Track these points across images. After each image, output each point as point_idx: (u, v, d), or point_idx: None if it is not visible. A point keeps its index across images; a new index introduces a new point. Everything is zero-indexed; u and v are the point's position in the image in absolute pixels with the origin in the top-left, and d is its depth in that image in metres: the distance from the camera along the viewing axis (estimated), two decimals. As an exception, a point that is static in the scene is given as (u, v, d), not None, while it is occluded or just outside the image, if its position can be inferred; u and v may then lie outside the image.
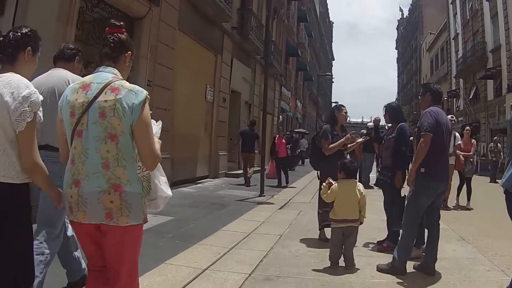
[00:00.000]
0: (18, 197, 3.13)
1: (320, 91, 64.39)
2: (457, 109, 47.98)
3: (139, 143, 3.05)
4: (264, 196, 13.77)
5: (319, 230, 8.09)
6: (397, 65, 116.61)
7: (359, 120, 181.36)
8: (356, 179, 6.79)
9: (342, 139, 7.82)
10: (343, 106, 8.33)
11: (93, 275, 3.32)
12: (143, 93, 3.07)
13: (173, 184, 12.38)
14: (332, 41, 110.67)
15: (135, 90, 3.06)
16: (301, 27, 47.52)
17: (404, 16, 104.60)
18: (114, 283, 3.13)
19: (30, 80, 3.30)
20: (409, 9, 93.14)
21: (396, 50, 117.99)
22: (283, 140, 18.02)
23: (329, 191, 6.39)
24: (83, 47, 5.16)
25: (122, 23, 3.31)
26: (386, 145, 7.64)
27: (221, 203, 12.03)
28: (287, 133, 26.75)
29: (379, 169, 8.53)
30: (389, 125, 8.19)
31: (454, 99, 49.28)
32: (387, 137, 7.78)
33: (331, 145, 7.75)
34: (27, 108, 3.02)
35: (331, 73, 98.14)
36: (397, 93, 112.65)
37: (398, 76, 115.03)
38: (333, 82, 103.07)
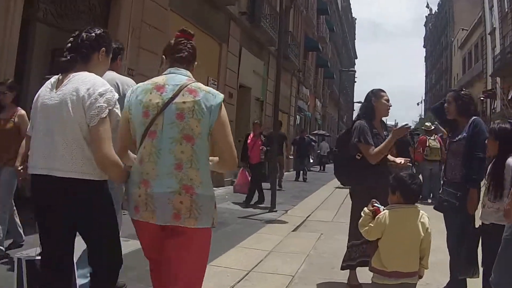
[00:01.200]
0: (97, 194, 3.26)
1: (342, 90, 62.66)
2: (493, 111, 45.65)
3: (218, 145, 3.27)
4: (276, 211, 11.89)
5: (345, 269, 5.85)
6: (425, 64, 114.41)
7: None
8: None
9: (389, 138, 5.55)
10: (383, 91, 5.90)
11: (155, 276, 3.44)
12: (220, 95, 3.29)
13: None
14: (355, 39, 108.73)
15: (212, 92, 3.28)
16: (321, 20, 45.44)
17: (433, 12, 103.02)
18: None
19: None
20: (438, 4, 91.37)
21: (424, 49, 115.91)
22: (259, 141, 13.80)
23: (373, 223, 4.08)
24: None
25: (193, 32, 3.54)
26: (454, 150, 5.46)
27: (219, 220, 9.71)
28: (305, 135, 24.37)
29: (442, 185, 6.01)
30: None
31: (489, 100, 46.95)
32: (453, 138, 5.53)
33: (377, 149, 5.52)
34: (102, 104, 3.14)
35: (354, 72, 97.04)
36: (425, 93, 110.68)
37: (426, 76, 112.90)
38: (355, 81, 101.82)
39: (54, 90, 3.25)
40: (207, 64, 15.78)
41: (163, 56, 3.50)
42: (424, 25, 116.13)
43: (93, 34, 3.42)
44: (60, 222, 3.25)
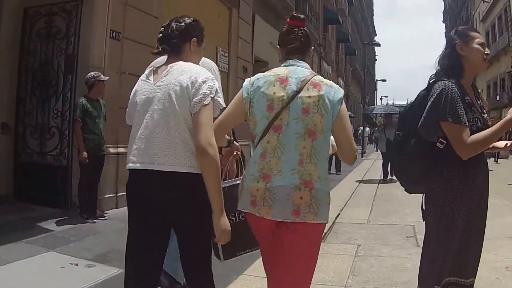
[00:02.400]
0: (201, 189, 2.99)
1: (364, 67, 60.64)
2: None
3: (339, 140, 3.18)
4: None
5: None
6: (446, 40, 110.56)
7: (404, 102, 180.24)
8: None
9: (507, 118, 3.26)
10: (474, 30, 3.68)
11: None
12: (341, 90, 3.22)
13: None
14: (373, 15, 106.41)
15: (334, 86, 3.18)
16: (341, -9, 43.09)
17: None
18: (284, 282, 3.10)
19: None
20: None
21: (444, 24, 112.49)
22: None
23: None
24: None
25: (303, 16, 3.40)
26: None
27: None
28: None
29: None
30: None
31: None
32: None
33: (480, 137, 3.26)
34: (205, 91, 3.02)
35: (374, 49, 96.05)
36: None
37: None
38: (376, 60, 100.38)
39: (153, 82, 3.14)
40: (216, 31, 13.52)
41: (278, 45, 3.38)
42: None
43: (183, 24, 3.28)
44: (159, 220, 3.11)
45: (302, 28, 3.31)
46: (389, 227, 8.02)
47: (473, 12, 70.08)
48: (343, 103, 3.15)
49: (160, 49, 3.24)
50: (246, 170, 3.20)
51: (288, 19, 3.34)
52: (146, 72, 3.26)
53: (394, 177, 15.31)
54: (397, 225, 8.26)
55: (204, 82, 3.01)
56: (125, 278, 3.17)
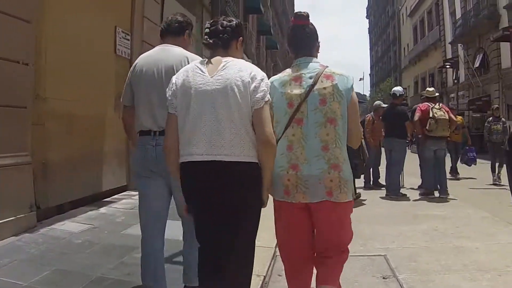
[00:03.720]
0: (259, 177, 3.47)
1: (285, 65, 59.33)
2: (455, 81, 42.69)
3: (350, 124, 3.74)
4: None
5: None
6: (369, 37, 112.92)
7: None
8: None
9: None
10: None
11: (307, 266, 4.00)
12: (351, 77, 3.80)
13: (47, 212, 7.91)
14: (294, 10, 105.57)
15: (345, 74, 3.77)
16: (261, -21, 40.95)
17: None
18: (337, 253, 3.81)
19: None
20: None
21: (368, 20, 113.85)
22: None
23: None
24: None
25: (307, 13, 3.97)
26: None
27: (125, 269, 5.54)
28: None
29: None
30: None
31: (451, 69, 44.19)
32: None
33: None
34: (265, 88, 3.42)
35: None
36: (370, 67, 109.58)
37: (370, 49, 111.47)
38: None
39: (208, 75, 3.43)
40: (114, 7, 11.17)
41: (287, 44, 4.14)
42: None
43: (234, 23, 3.69)
44: (223, 208, 3.39)
45: (306, 25, 3.91)
46: (352, 260, 5.29)
47: (400, 7, 71.63)
48: (354, 91, 3.82)
49: (211, 42, 3.58)
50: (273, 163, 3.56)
51: (293, 18, 4.00)
52: (198, 65, 3.53)
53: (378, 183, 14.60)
54: (363, 256, 6.52)
55: (262, 79, 3.45)
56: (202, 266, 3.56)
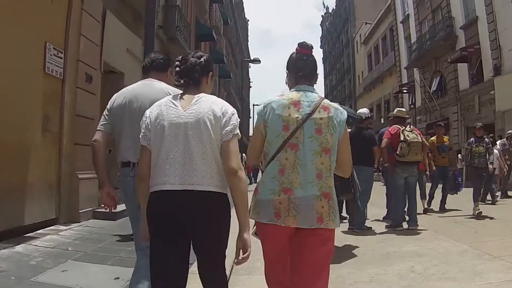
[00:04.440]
0: (228, 207, 3.67)
1: (238, 94, 58.70)
2: (411, 106, 42.54)
3: (341, 155, 3.86)
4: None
5: None
6: (324, 66, 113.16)
7: None
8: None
9: None
10: None
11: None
12: (345, 111, 3.94)
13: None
14: (248, 41, 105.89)
15: (340, 108, 3.90)
16: (214, 8, 40.67)
17: (330, 10, 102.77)
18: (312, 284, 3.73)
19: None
20: (336, 0, 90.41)
21: (321, 49, 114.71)
22: None
23: None
24: None
25: (311, 45, 4.12)
26: None
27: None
28: None
29: None
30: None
31: (407, 94, 44.19)
32: None
33: None
34: (235, 122, 3.59)
35: (249, 75, 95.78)
36: (325, 96, 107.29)
37: (325, 78, 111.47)
38: (250, 86, 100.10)
39: (181, 109, 3.58)
40: (45, 21, 10.01)
41: (287, 70, 4.11)
42: (320, 25, 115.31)
43: (203, 60, 3.78)
44: (185, 235, 3.53)
45: (310, 55, 4.04)
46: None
47: (354, 35, 72.11)
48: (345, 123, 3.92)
49: (182, 82, 3.78)
50: (262, 185, 3.75)
51: (298, 47, 4.05)
52: (171, 99, 3.70)
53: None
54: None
55: (233, 114, 3.63)
56: None
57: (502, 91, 26.12)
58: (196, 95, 3.65)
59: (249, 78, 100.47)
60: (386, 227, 11.04)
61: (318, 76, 4.14)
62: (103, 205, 4.84)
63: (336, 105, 3.92)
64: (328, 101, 3.91)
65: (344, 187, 7.57)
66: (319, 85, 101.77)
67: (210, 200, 3.50)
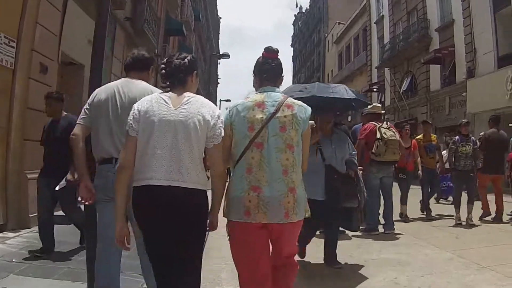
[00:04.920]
0: (207, 204, 3.86)
1: (205, 89, 57.90)
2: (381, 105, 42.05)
3: (304, 150, 4.11)
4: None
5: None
6: (293, 64, 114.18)
7: None
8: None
9: None
10: None
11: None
12: (309, 108, 4.17)
13: None
14: (218, 38, 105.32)
15: (304, 106, 4.14)
16: (186, 2, 39.76)
17: (303, 10, 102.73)
18: (288, 265, 4.23)
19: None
20: (310, 0, 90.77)
21: (292, 48, 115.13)
22: None
23: None
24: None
25: (277, 49, 4.38)
26: None
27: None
28: None
29: None
30: None
31: (376, 93, 43.96)
32: None
33: None
34: (221, 125, 3.80)
35: (217, 72, 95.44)
36: None
37: (293, 76, 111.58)
38: (218, 83, 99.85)
39: (172, 107, 3.72)
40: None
41: (253, 74, 4.34)
42: (292, 24, 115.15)
43: (187, 61, 3.96)
44: (174, 230, 3.63)
45: (275, 59, 4.28)
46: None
47: (326, 35, 72.18)
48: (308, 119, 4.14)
49: (169, 83, 3.93)
50: (232, 184, 3.97)
51: (264, 52, 4.30)
52: (163, 97, 3.81)
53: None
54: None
55: (219, 117, 3.82)
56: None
57: (474, 94, 25.99)
58: (186, 95, 3.81)
59: (217, 75, 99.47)
60: (361, 231, 9.61)
61: (284, 77, 4.36)
62: (80, 199, 4.81)
63: (300, 102, 4.15)
64: (292, 99, 4.15)
65: (348, 191, 6.86)
66: (288, 83, 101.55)
67: (193, 197, 3.66)
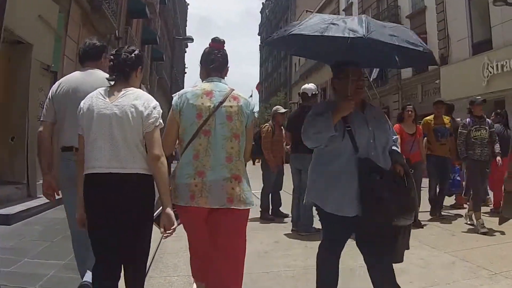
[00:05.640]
0: (151, 186, 3.98)
1: (172, 78, 56.29)
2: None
3: (247, 141, 4.20)
4: None
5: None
6: (260, 53, 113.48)
7: None
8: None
9: None
10: None
11: (197, 261, 4.48)
12: (253, 102, 4.34)
13: None
14: (186, 25, 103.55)
15: (249, 99, 4.29)
16: (151, -16, 37.69)
17: None
18: (224, 260, 4.05)
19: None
20: None
21: (260, 36, 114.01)
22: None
23: None
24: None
25: (223, 40, 4.51)
26: None
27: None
28: None
29: None
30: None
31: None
32: None
33: None
34: (156, 115, 3.95)
35: (184, 63, 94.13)
36: (260, 82, 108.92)
37: (261, 65, 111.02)
38: (186, 73, 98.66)
39: (108, 101, 3.92)
40: None
41: (200, 64, 4.43)
42: (260, 12, 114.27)
43: (133, 56, 4.11)
44: (118, 214, 3.84)
45: (221, 50, 4.37)
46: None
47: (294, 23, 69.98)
48: (254, 114, 4.32)
49: (114, 76, 4.05)
50: (179, 169, 4.09)
51: (210, 42, 4.41)
52: (101, 92, 4.02)
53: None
54: None
55: (154, 107, 3.97)
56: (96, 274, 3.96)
57: (448, 81, 25.60)
58: (123, 89, 3.99)
59: (184, 63, 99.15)
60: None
61: (229, 69, 4.42)
62: (45, 196, 4.95)
63: (245, 96, 4.25)
64: (238, 92, 4.21)
65: (401, 200, 4.18)
66: (255, 72, 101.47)
67: (134, 181, 3.86)
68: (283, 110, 11.47)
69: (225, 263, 4.04)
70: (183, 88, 35.21)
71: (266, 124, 11.48)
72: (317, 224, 8.33)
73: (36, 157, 12.09)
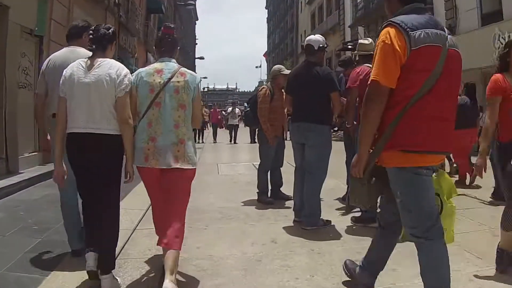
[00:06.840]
0: (121, 145, 4.42)
1: (181, 49, 54.56)
2: (355, 64, 39.46)
3: (194, 110, 4.67)
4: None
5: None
6: (268, 26, 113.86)
7: (224, 86, 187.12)
8: None
9: None
10: None
11: (156, 215, 4.88)
12: (199, 76, 4.79)
13: None
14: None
15: (194, 74, 4.75)
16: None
17: None
18: (171, 212, 4.55)
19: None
20: None
21: (267, 10, 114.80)
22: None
23: None
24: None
25: (174, 26, 5.20)
26: None
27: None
28: None
29: None
30: None
31: (350, 52, 41.40)
32: None
33: None
34: (127, 82, 4.40)
35: (195, 32, 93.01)
36: (268, 53, 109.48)
37: (268, 37, 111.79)
38: (196, 43, 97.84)
39: (87, 71, 4.37)
40: None
41: (154, 47, 5.04)
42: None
43: (110, 32, 4.65)
44: (95, 169, 4.35)
45: (171, 34, 4.92)
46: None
47: None
48: (200, 87, 4.81)
49: (94, 47, 4.52)
50: (136, 136, 4.57)
51: (162, 28, 4.96)
52: (81, 63, 4.45)
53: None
54: None
55: (125, 75, 4.42)
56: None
57: None
58: (100, 60, 4.45)
59: (195, 35, 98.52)
60: (354, 220, 7.01)
61: (179, 50, 5.05)
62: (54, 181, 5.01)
63: (191, 72, 4.79)
64: (185, 69, 4.78)
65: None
66: (263, 44, 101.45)
67: (106, 140, 4.34)
68: (287, 72, 8.64)
69: (170, 208, 4.57)
70: (194, 59, 34.11)
71: (264, 86, 9.20)
72: (325, 214, 6.99)
73: (17, 129, 10.84)
